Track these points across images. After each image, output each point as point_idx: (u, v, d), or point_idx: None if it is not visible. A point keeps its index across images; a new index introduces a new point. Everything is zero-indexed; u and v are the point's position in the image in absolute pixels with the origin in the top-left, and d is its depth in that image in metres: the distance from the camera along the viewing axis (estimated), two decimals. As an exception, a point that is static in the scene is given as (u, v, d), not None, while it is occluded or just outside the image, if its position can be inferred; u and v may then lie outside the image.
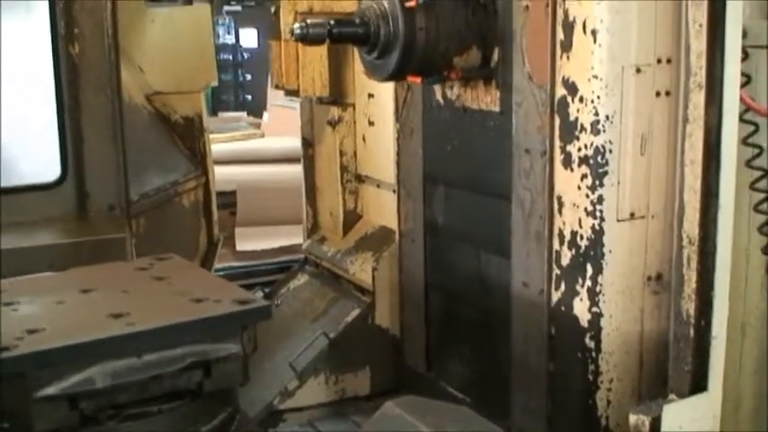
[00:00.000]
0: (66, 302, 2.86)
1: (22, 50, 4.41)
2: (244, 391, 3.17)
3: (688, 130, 3.03)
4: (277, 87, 5.14)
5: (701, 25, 2.97)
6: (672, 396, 3.11)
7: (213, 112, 13.32)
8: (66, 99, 4.42)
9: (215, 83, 5.70)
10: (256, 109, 12.98)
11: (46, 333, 2.55)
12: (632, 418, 3.03)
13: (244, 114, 13.38)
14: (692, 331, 3.06)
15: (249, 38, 15.37)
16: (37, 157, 4.56)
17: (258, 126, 10.83)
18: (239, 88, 15.27)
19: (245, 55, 15.41)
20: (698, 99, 2.97)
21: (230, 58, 15.37)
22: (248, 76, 15.11)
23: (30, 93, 4.52)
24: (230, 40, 15.47)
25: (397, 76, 3.80)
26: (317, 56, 4.92)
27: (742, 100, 3.13)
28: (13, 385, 2.41)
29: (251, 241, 8.26)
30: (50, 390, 2.44)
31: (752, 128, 3.29)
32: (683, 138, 3.06)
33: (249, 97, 14.92)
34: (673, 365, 3.15)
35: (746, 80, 3.23)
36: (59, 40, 4.34)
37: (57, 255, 3.88)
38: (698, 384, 3.11)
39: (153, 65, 5.27)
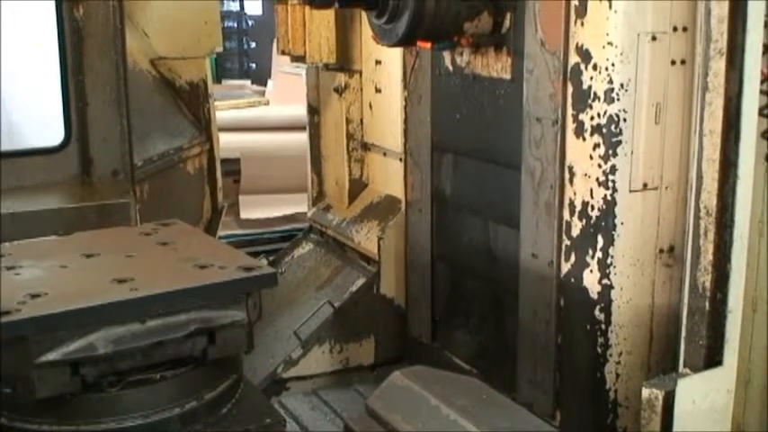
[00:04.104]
0: (69, 267, 2.80)
1: (25, 14, 4.35)
2: (248, 359, 3.14)
3: (707, 98, 2.96)
4: (283, 53, 5.08)
5: (722, -10, 2.90)
6: (685, 370, 3.07)
7: (217, 79, 13.23)
8: (70, 63, 4.35)
9: (220, 48, 5.62)
10: (261, 77, 12.89)
11: (48, 297, 2.49)
12: (645, 392, 2.98)
13: (248, 83, 13.30)
14: (707, 304, 3.02)
15: (254, 5, 15.23)
16: (41, 121, 4.51)
17: (262, 95, 10.76)
18: (244, 56, 15.15)
19: (250, 22, 15.28)
20: (718, 67, 2.90)
21: (234, 25, 15.24)
22: (253, 44, 14.98)
23: (34, 57, 4.46)
24: (235, 7, 15.33)
25: (406, 41, 3.73)
26: (324, 21, 4.85)
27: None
28: (14, 350, 2.36)
29: (255, 209, 8.21)
30: (52, 355, 2.39)
31: (768, 99, 3.23)
32: (701, 107, 2.99)
33: (253, 65, 14.80)
34: (686, 339, 3.11)
35: (763, 49, 3.16)
36: (63, 3, 4.28)
37: (60, 219, 3.82)
38: (712, 359, 3.07)
39: (158, 30, 5.22)
